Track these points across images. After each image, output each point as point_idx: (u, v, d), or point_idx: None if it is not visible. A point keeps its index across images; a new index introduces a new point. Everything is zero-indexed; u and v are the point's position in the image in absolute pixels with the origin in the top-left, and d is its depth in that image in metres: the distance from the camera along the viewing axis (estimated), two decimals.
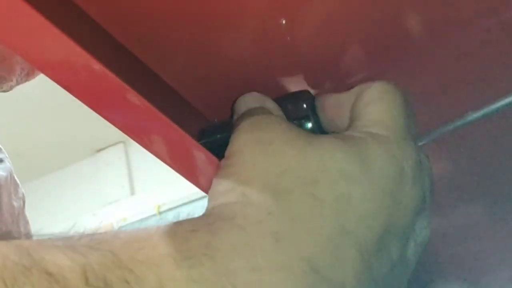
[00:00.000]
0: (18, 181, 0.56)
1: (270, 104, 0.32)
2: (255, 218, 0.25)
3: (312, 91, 0.34)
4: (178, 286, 0.22)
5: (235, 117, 0.32)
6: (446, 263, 0.56)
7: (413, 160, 0.28)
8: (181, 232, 0.24)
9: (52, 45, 0.26)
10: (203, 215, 0.26)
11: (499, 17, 0.34)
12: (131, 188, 3.04)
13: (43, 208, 2.92)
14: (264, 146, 0.27)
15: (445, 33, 0.34)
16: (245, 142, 0.28)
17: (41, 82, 0.47)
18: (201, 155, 0.33)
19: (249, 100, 0.32)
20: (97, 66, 0.27)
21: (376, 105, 0.29)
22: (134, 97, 0.29)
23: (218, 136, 0.33)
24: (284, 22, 0.32)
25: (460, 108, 0.33)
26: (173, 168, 0.33)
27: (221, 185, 0.27)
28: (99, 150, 3.11)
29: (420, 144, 0.31)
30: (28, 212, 0.57)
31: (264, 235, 0.24)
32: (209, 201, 0.28)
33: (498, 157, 0.44)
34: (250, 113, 0.31)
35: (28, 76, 0.47)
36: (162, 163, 0.32)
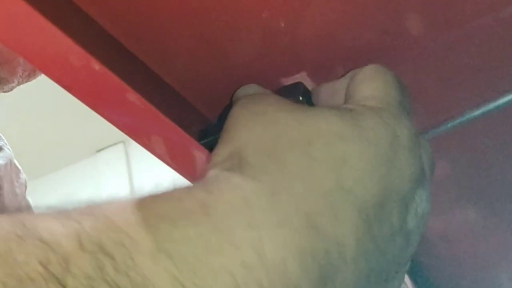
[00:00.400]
0: (20, 167, 0.56)
1: (269, 93, 0.32)
2: (251, 175, 0.25)
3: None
4: (175, 246, 0.21)
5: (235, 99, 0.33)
6: (446, 263, 0.56)
7: (408, 130, 0.28)
8: (176, 193, 0.24)
9: (52, 45, 0.26)
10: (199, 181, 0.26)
11: (498, 16, 0.34)
12: (131, 188, 3.04)
13: (43, 208, 2.91)
14: (258, 116, 0.28)
15: (445, 31, 0.34)
16: (240, 115, 0.29)
17: (41, 82, 0.47)
18: (201, 155, 0.33)
19: (249, 90, 0.33)
20: (97, 66, 0.27)
21: (369, 83, 0.30)
22: (134, 97, 0.29)
23: (219, 136, 0.33)
24: (283, 25, 0.32)
25: (459, 107, 0.33)
26: (173, 168, 0.33)
27: (217, 155, 0.27)
28: (99, 150, 3.11)
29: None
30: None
31: (260, 192, 0.24)
32: (209, 164, 0.28)
33: (498, 157, 0.44)
34: (247, 96, 0.31)
35: (30, 77, 0.47)
36: (162, 163, 0.32)
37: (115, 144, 3.09)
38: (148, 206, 0.23)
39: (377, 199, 0.26)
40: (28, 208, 0.55)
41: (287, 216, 0.24)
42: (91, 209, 0.23)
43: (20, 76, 0.46)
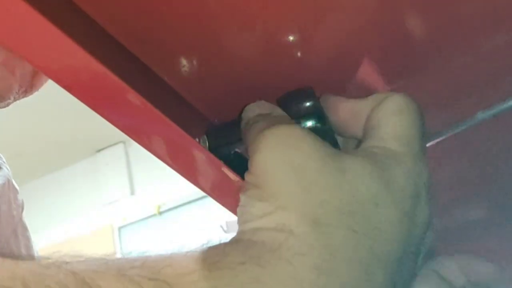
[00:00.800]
0: (17, 187, 0.55)
1: (280, 112, 0.32)
2: (299, 250, 0.25)
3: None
4: None
5: (244, 124, 0.32)
6: None
7: (427, 179, 0.29)
8: (229, 264, 0.25)
9: (52, 45, 0.26)
10: (242, 239, 0.27)
11: (505, 23, 0.34)
12: (131, 188, 3.04)
13: (43, 208, 2.92)
14: (297, 173, 0.27)
15: (451, 37, 0.34)
16: (274, 162, 0.28)
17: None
18: (201, 155, 0.33)
19: (259, 107, 0.33)
20: (97, 66, 0.27)
21: (395, 118, 0.30)
22: (134, 97, 0.29)
23: (233, 151, 0.34)
24: (291, 38, 0.33)
25: (464, 111, 0.33)
26: (173, 168, 0.33)
27: (255, 208, 0.27)
28: (99, 150, 3.11)
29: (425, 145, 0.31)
30: (28, 212, 0.56)
31: (309, 269, 0.25)
32: (241, 221, 0.28)
33: (498, 158, 0.44)
34: (265, 118, 0.31)
35: (26, 93, 0.47)
36: (162, 163, 0.32)
37: (115, 144, 3.09)
38: (205, 276, 0.24)
39: (399, 255, 0.27)
40: (24, 230, 0.55)
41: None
42: (151, 272, 0.23)
43: (16, 92, 0.46)
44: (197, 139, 0.34)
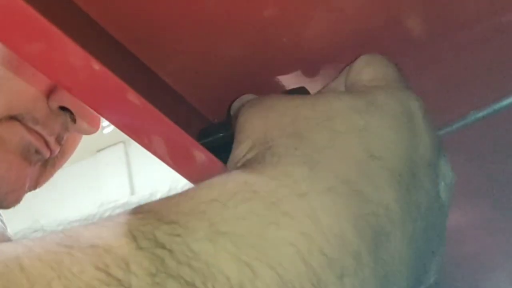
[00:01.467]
0: None
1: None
2: (285, 153, 0.25)
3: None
4: (230, 226, 0.21)
5: (233, 116, 0.32)
6: (446, 263, 0.56)
7: (418, 102, 0.28)
8: (217, 180, 0.24)
9: (52, 45, 0.26)
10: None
11: (500, 18, 0.34)
12: (131, 188, 3.04)
13: (43, 208, 2.92)
14: (269, 109, 0.28)
15: (446, 34, 0.34)
16: (250, 113, 0.28)
17: None
18: (201, 155, 0.33)
19: (246, 99, 0.33)
20: (97, 66, 0.27)
21: (367, 69, 0.30)
22: (134, 97, 0.29)
23: (219, 135, 0.33)
24: (285, 39, 0.33)
25: (462, 109, 0.33)
26: (173, 168, 0.33)
27: (237, 154, 0.27)
28: (99, 150, 3.11)
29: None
30: (28, 212, 0.56)
31: (298, 165, 0.24)
32: (229, 165, 0.28)
33: (498, 157, 0.44)
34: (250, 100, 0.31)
35: (30, 189, 0.48)
36: (162, 163, 0.32)
37: (115, 144, 3.09)
38: (194, 195, 0.23)
39: (408, 165, 0.26)
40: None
41: (330, 184, 0.24)
42: (135, 209, 0.22)
43: (22, 196, 0.47)
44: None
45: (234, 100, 0.34)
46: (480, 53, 0.36)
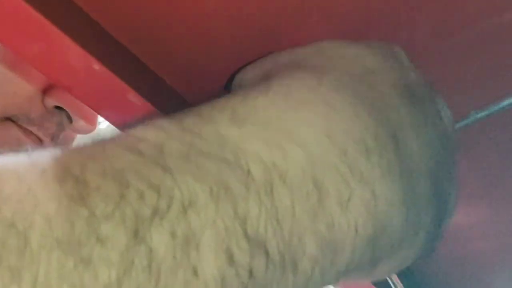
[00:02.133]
0: None
1: None
2: (290, 70, 0.26)
3: None
4: (251, 113, 0.22)
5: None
6: (447, 263, 0.56)
7: (401, 50, 0.30)
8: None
9: (52, 45, 0.26)
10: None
11: (500, 18, 0.34)
12: None
13: None
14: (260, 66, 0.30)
15: (447, 33, 0.34)
16: (244, 76, 0.30)
17: None
18: None
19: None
20: (97, 66, 0.27)
21: None
22: (134, 97, 0.29)
23: None
24: (290, 38, 0.32)
25: (462, 109, 0.33)
26: None
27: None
28: None
29: None
30: None
31: (305, 71, 0.26)
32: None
33: (500, 157, 0.44)
34: None
35: None
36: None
37: None
38: (209, 102, 0.24)
39: (404, 83, 0.27)
40: None
41: (337, 84, 0.24)
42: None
43: None
44: None
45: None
46: (481, 53, 0.36)
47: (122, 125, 0.30)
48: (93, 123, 0.46)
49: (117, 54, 0.32)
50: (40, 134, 0.44)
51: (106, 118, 0.31)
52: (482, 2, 0.33)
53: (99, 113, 0.31)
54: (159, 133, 0.20)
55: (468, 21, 0.34)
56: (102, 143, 0.20)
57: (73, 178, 0.18)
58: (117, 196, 0.17)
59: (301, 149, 0.21)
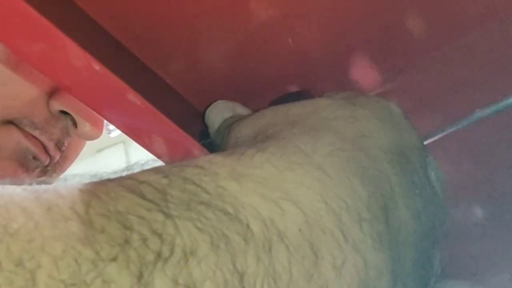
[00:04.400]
0: None
1: (241, 110, 0.33)
2: (285, 133, 0.26)
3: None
4: (251, 170, 0.22)
5: (211, 130, 0.33)
6: (446, 263, 0.56)
7: (398, 106, 0.30)
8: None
9: (53, 45, 0.26)
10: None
11: (502, 21, 0.34)
12: None
13: None
14: (260, 116, 0.30)
15: (449, 36, 0.34)
16: (242, 125, 0.30)
17: None
18: (201, 155, 0.33)
19: (220, 110, 0.33)
20: (97, 66, 0.27)
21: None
22: (134, 97, 0.29)
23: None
24: (290, 40, 0.33)
25: (463, 109, 0.33)
26: None
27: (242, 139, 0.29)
28: (99, 150, 3.11)
29: (424, 143, 0.31)
30: None
31: (300, 135, 0.26)
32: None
33: (499, 157, 0.44)
34: (227, 123, 0.32)
35: None
36: (162, 163, 0.32)
37: (115, 144, 3.09)
38: (210, 155, 0.24)
39: (397, 147, 0.27)
40: None
41: (331, 149, 0.25)
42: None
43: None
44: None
45: (205, 111, 0.34)
46: (483, 54, 0.36)
47: (122, 125, 0.30)
48: (99, 128, 0.45)
49: (117, 54, 0.32)
50: (43, 139, 0.43)
51: (106, 118, 0.31)
52: (483, 6, 0.33)
53: (99, 113, 0.31)
54: (161, 179, 0.21)
55: (471, 23, 0.34)
56: (104, 183, 0.21)
57: (78, 218, 0.18)
58: (122, 239, 0.18)
59: (298, 210, 0.22)
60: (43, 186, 0.20)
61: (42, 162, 0.44)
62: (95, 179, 0.22)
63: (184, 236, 0.19)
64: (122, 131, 0.31)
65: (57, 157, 0.45)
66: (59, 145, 0.45)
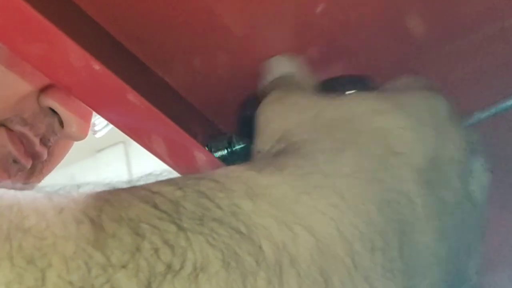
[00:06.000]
0: None
1: (304, 73, 0.32)
2: (309, 146, 0.26)
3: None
4: (267, 190, 0.22)
5: (266, 80, 0.32)
6: None
7: (446, 104, 0.29)
8: (254, 165, 0.25)
9: (52, 45, 0.26)
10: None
11: (502, 22, 0.34)
12: None
13: None
14: (291, 107, 0.28)
15: (450, 37, 0.34)
16: (270, 111, 0.29)
17: None
18: (201, 155, 0.33)
19: (284, 65, 0.33)
20: (97, 66, 0.27)
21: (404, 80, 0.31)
22: (134, 97, 0.29)
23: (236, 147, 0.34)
24: (289, 38, 0.32)
25: (461, 111, 0.33)
26: (173, 168, 0.33)
27: (259, 151, 0.28)
28: (99, 150, 3.11)
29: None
30: None
31: (322, 152, 0.25)
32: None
33: (502, 158, 0.44)
34: (279, 82, 0.31)
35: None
36: (162, 163, 0.32)
37: (115, 144, 3.09)
38: (228, 168, 0.24)
39: (431, 162, 0.26)
40: None
41: (352, 170, 0.24)
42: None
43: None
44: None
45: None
46: (483, 55, 0.36)
47: (122, 125, 0.30)
48: (84, 132, 0.45)
49: (117, 54, 0.32)
50: (31, 135, 0.43)
51: (106, 118, 0.31)
52: (484, 7, 0.33)
53: (99, 113, 0.31)
54: (175, 191, 0.20)
55: (473, 25, 0.34)
56: (117, 192, 0.21)
57: (90, 221, 0.18)
58: (133, 246, 0.18)
59: (311, 236, 0.21)
60: (57, 192, 0.20)
61: (22, 166, 0.44)
62: (108, 188, 0.22)
63: (196, 250, 0.18)
64: (122, 131, 0.31)
65: (44, 154, 0.45)
66: (44, 141, 0.44)
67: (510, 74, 0.37)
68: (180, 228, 0.19)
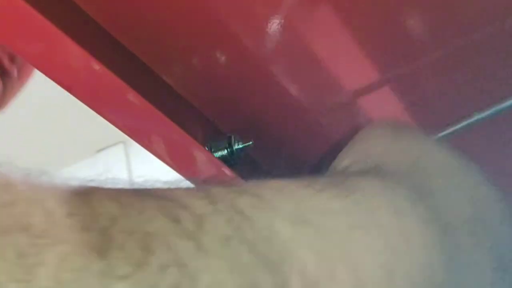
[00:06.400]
0: None
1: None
2: (396, 176, 0.25)
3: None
4: (318, 217, 0.20)
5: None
6: None
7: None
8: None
9: (52, 45, 0.26)
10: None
11: (503, 22, 0.34)
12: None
13: None
14: (397, 139, 0.30)
15: (450, 38, 0.34)
16: (374, 134, 0.31)
17: (41, 83, 0.47)
18: (201, 155, 0.33)
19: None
20: (97, 66, 0.27)
21: None
22: (134, 97, 0.29)
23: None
24: (290, 38, 0.32)
25: (461, 111, 0.33)
26: (173, 168, 0.33)
27: (342, 162, 0.28)
28: (99, 150, 3.11)
29: None
30: None
31: (406, 188, 0.24)
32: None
33: (501, 158, 0.44)
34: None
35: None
36: (162, 163, 0.32)
37: (115, 144, 3.08)
38: (286, 179, 0.22)
39: (473, 215, 0.27)
40: None
41: (429, 217, 0.23)
42: (219, 182, 0.22)
43: None
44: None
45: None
46: (483, 56, 0.36)
47: (122, 125, 0.30)
48: (24, 80, 0.44)
49: (117, 54, 0.32)
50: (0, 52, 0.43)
51: (106, 118, 0.31)
52: (484, 8, 0.33)
53: (99, 113, 0.31)
54: (207, 205, 0.19)
55: (472, 26, 0.34)
56: (142, 196, 0.19)
57: (99, 229, 0.17)
58: (139, 260, 0.16)
59: (352, 276, 0.19)
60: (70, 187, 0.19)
61: None
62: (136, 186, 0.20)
63: (212, 274, 0.17)
64: (122, 131, 0.31)
65: (14, 72, 0.45)
66: (12, 58, 0.44)
67: (510, 74, 0.37)
68: (200, 247, 0.17)
